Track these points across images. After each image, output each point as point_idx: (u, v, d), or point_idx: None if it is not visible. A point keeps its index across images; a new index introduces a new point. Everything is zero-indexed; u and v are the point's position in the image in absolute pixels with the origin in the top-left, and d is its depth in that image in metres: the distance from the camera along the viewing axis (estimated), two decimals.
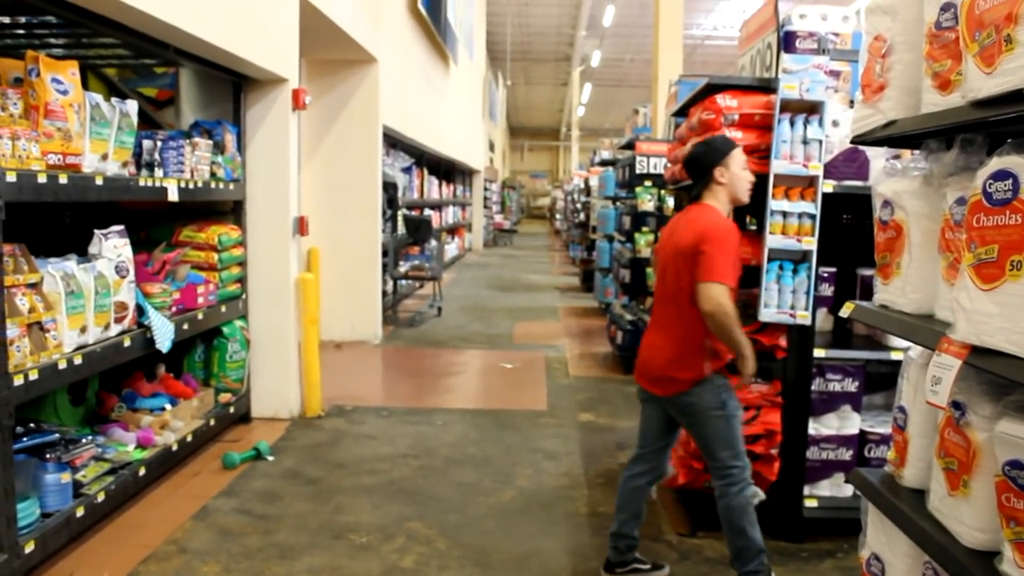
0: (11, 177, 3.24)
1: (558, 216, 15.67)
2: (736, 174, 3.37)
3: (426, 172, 14.56)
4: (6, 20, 4.32)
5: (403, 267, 11.16)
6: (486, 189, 26.85)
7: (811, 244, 3.92)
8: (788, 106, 3.93)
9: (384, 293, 9.69)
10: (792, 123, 3.91)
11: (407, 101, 11.19)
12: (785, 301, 3.95)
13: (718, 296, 3.19)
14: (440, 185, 16.86)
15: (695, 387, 3.36)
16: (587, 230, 15.27)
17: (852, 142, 2.51)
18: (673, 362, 3.40)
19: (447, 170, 18.39)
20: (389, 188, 10.08)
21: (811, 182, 3.92)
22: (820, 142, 3.88)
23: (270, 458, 5.24)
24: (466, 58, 18.55)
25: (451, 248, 17.48)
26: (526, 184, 45.29)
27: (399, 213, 10.85)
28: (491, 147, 30.23)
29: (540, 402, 6.89)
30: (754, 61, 4.70)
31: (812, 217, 3.92)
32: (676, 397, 3.42)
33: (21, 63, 3.54)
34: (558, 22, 28.21)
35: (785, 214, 3.92)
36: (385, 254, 9.74)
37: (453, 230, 19.70)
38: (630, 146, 9.21)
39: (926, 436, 2.18)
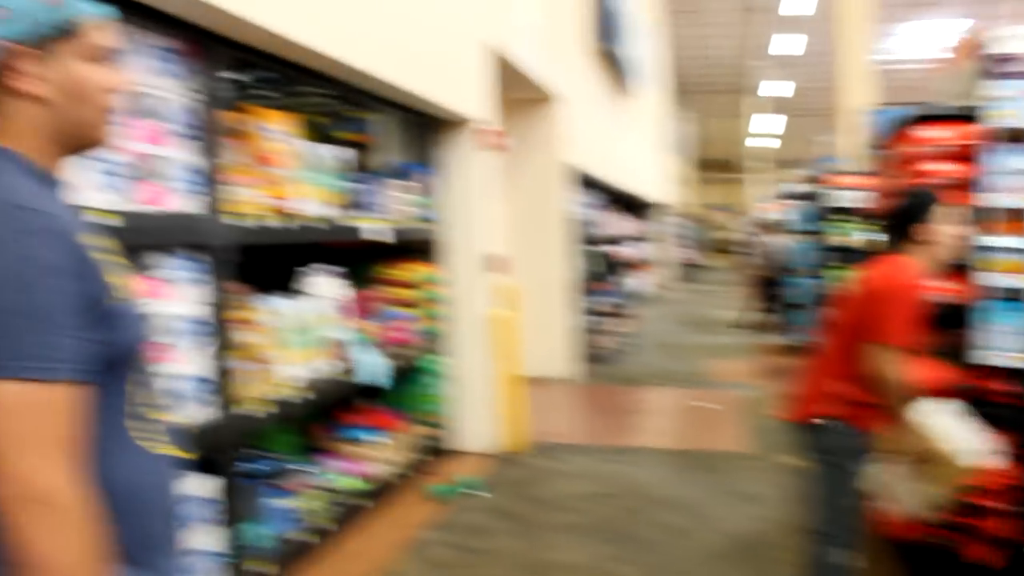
0: (240, 222, 3.48)
1: (743, 250, 15.27)
2: (937, 232, 3.05)
3: (613, 208, 14.54)
4: (232, 76, 4.65)
5: (595, 303, 11.15)
6: (672, 223, 26.59)
7: None
8: (1001, 135, 3.63)
9: (577, 329, 9.70)
10: (1003, 153, 3.60)
11: (590, 138, 11.26)
12: (1006, 343, 3.62)
13: (883, 360, 2.96)
14: (627, 220, 16.80)
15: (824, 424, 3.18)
16: (775, 265, 14.67)
17: None
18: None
19: (633, 205, 18.32)
20: (578, 224, 10.13)
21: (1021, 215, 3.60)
22: None
23: (476, 493, 5.31)
24: (648, 92, 18.53)
25: (639, 284, 17.35)
26: (711, 217, 44.56)
27: (589, 249, 10.88)
28: (676, 180, 29.98)
29: (739, 443, 6.67)
30: (957, 87, 4.40)
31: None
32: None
33: (246, 116, 3.79)
34: (740, 52, 27.76)
35: (992, 249, 3.62)
36: (577, 290, 9.77)
37: (640, 265, 19.57)
38: (819, 179, 8.89)
39: None
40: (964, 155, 3.75)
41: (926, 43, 23.25)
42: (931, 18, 21.74)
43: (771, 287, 14.62)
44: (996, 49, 3.80)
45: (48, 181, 1.42)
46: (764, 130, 35.44)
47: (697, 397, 8.45)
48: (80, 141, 1.46)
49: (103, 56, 1.45)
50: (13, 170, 1.36)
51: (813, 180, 9.08)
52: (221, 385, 3.40)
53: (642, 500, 5.25)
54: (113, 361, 1.37)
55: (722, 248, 44.36)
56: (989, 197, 3.59)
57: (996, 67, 3.74)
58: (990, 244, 3.60)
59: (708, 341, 12.73)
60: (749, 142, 37.46)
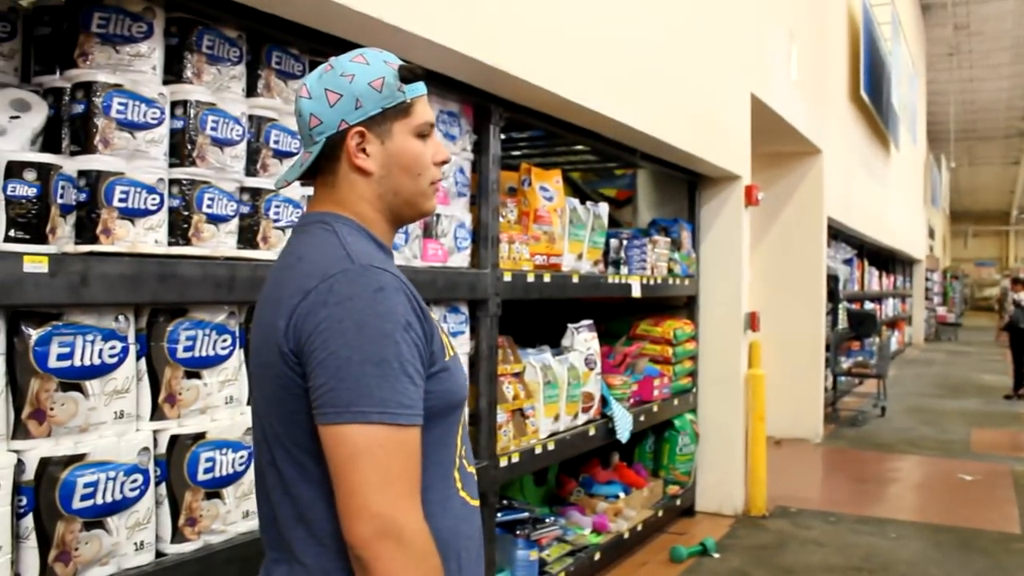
0: (508, 277, 3.60)
1: (999, 307, 14.09)
2: None
3: (866, 263, 13.93)
4: (506, 135, 4.85)
5: (845, 363, 10.69)
6: (927, 279, 25.09)
7: None
8: None
9: (824, 389, 9.32)
10: None
11: (849, 190, 10.84)
12: None
13: None
14: (880, 276, 16.04)
15: None
16: None
17: None
18: None
19: (887, 260, 17.48)
20: (830, 280, 9.76)
21: None
22: None
23: (716, 555, 5.18)
24: (907, 142, 17.63)
25: (891, 342, 16.46)
26: (970, 273, 41.66)
27: (840, 306, 10.45)
28: (931, 234, 28.28)
29: (1011, 523, 6.11)
30: None
31: None
32: None
33: (516, 174, 3.93)
34: (1009, 95, 25.92)
35: None
36: (826, 348, 9.40)
37: (893, 323, 18.57)
38: None
39: None
40: None
41: None
42: None
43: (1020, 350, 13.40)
44: None
45: (382, 247, 1.56)
46: None
47: (957, 468, 7.87)
48: (410, 211, 1.59)
49: (428, 131, 1.57)
50: (357, 234, 1.51)
51: None
52: (482, 434, 3.51)
53: None
54: (440, 413, 1.48)
55: (984, 306, 41.35)
56: None
57: None
58: None
59: (966, 406, 11.85)
60: (1022, 192, 34.72)
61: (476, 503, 1.60)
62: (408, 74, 1.54)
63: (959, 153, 31.98)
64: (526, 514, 4.28)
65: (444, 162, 1.60)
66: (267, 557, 1.53)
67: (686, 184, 5.90)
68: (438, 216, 3.25)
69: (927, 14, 20.31)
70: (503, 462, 3.64)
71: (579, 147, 5.02)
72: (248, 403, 2.40)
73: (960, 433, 9.71)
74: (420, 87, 1.56)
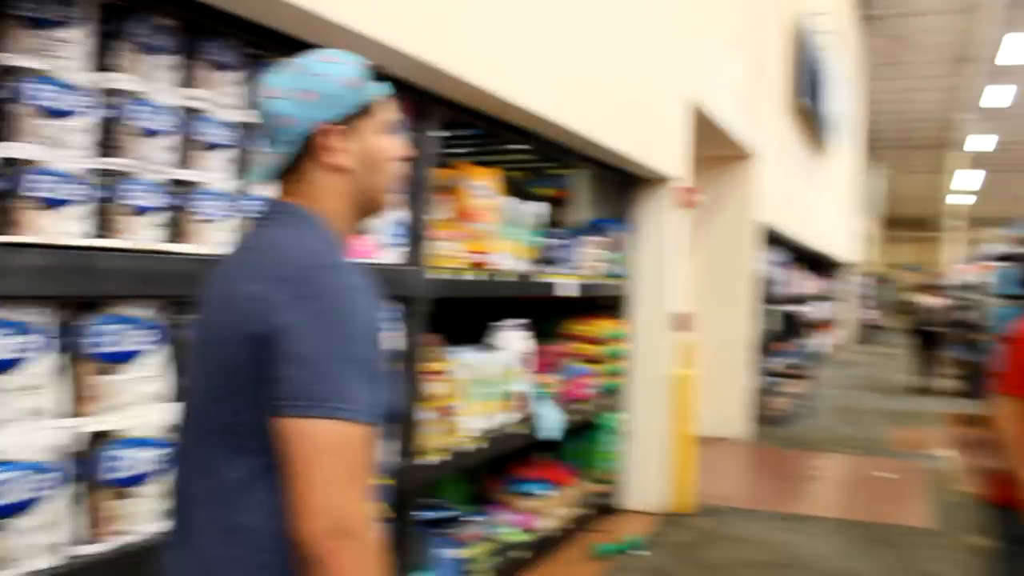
0: (439, 275, 3.59)
1: (908, 310, 14.78)
2: None
3: (798, 266, 14.17)
4: (442, 133, 4.82)
5: (773, 363, 10.86)
6: (858, 283, 25.63)
7: None
8: None
9: (753, 390, 9.48)
10: None
11: (782, 195, 11.02)
12: None
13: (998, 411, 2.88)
14: (811, 279, 16.32)
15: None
16: (970, 329, 14.05)
17: None
18: None
19: (818, 263, 17.79)
20: (762, 283, 9.92)
21: None
22: None
23: (641, 553, 5.24)
24: (842, 149, 17.98)
25: (821, 344, 16.80)
26: (900, 278, 42.66)
27: (771, 308, 10.62)
28: (863, 239, 28.90)
29: (922, 518, 6.31)
30: None
31: None
32: None
33: (451, 172, 3.92)
34: (941, 107, 26.56)
35: None
36: (757, 350, 9.55)
37: (823, 325, 18.93)
38: None
39: None
40: None
41: None
42: None
43: (931, 349, 14.17)
44: None
45: (342, 244, 1.59)
46: (963, 186, 33.67)
47: (876, 466, 8.08)
48: (372, 205, 1.63)
49: (390, 128, 1.62)
50: (325, 233, 1.54)
51: (1020, 241, 8.56)
52: (406, 433, 3.50)
53: (814, 573, 5.05)
54: None
55: (912, 310, 42.38)
56: None
57: None
58: None
59: (889, 406, 12.19)
60: (948, 199, 35.64)
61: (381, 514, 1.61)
62: (371, 74, 1.59)
63: (892, 161, 32.72)
64: (451, 513, 4.28)
65: (402, 158, 1.65)
66: (174, 540, 1.53)
67: (623, 185, 5.94)
68: None
69: (866, 25, 20.69)
70: (428, 461, 3.64)
71: (518, 147, 5.02)
72: (172, 400, 2.35)
73: (879, 432, 10.00)
74: (386, 85, 1.62)
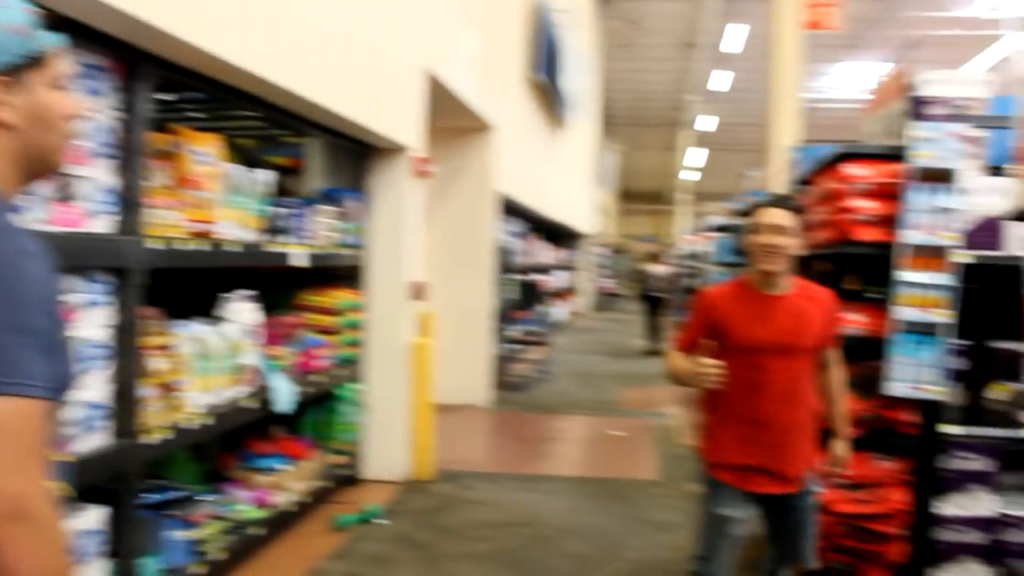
0: (155, 244, 3.42)
1: (639, 278, 15.91)
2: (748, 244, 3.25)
3: (537, 236, 14.68)
4: (159, 96, 4.56)
5: (513, 331, 11.20)
6: (595, 253, 26.87)
7: (944, 316, 3.76)
8: (920, 174, 3.81)
9: (494, 357, 9.74)
10: (924, 192, 3.79)
11: (521, 167, 11.35)
12: (915, 375, 3.79)
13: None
14: (550, 249, 16.96)
15: None
16: (657, 293, 15.29)
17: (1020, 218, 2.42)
18: None
19: (557, 234, 18.49)
20: (501, 253, 10.18)
21: (943, 252, 3.78)
22: (953, 211, 3.75)
23: (381, 521, 5.28)
24: (579, 124, 18.74)
25: (559, 312, 17.51)
26: (634, 248, 45.14)
27: (510, 277, 10.94)
28: (600, 211, 30.32)
29: (649, 471, 6.78)
30: (882, 127, 4.59)
31: (944, 288, 3.77)
32: None
33: (169, 137, 3.73)
34: (670, 88, 28.31)
35: (917, 285, 3.79)
36: (497, 318, 9.81)
37: (561, 294, 19.73)
38: (746, 212, 9.08)
39: None
40: (886, 192, 3.91)
41: (856, 84, 24.11)
42: (859, 60, 22.53)
43: (659, 314, 15.30)
44: (920, 92, 3.99)
45: (9, 207, 1.44)
46: (691, 163, 36.12)
47: (609, 425, 8.55)
48: (42, 166, 1.48)
49: (64, 83, 1.49)
50: None
51: (740, 214, 9.27)
52: (126, 412, 3.32)
53: (550, 529, 5.29)
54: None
55: (638, 278, 45.01)
56: (908, 234, 3.75)
57: (919, 109, 3.93)
58: (907, 279, 3.75)
59: (623, 369, 12.91)
60: (678, 175, 38.08)
61: (59, 493, 1.52)
62: (40, 21, 1.43)
63: (627, 137, 34.54)
64: (179, 493, 4.12)
65: (76, 116, 1.52)
66: None
67: (358, 154, 5.89)
68: (75, 177, 3.00)
69: (603, 7, 21.63)
70: (149, 439, 3.47)
71: (247, 113, 4.84)
72: None
73: (614, 393, 10.60)
74: (55, 37, 1.46)
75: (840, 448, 3.39)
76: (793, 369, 3.16)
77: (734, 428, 3.21)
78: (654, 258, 15.83)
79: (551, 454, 7.58)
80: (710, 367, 2.98)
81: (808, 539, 3.28)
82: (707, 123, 29.71)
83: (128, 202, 3.29)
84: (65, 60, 1.51)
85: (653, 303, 15.22)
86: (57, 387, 1.37)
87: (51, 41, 1.46)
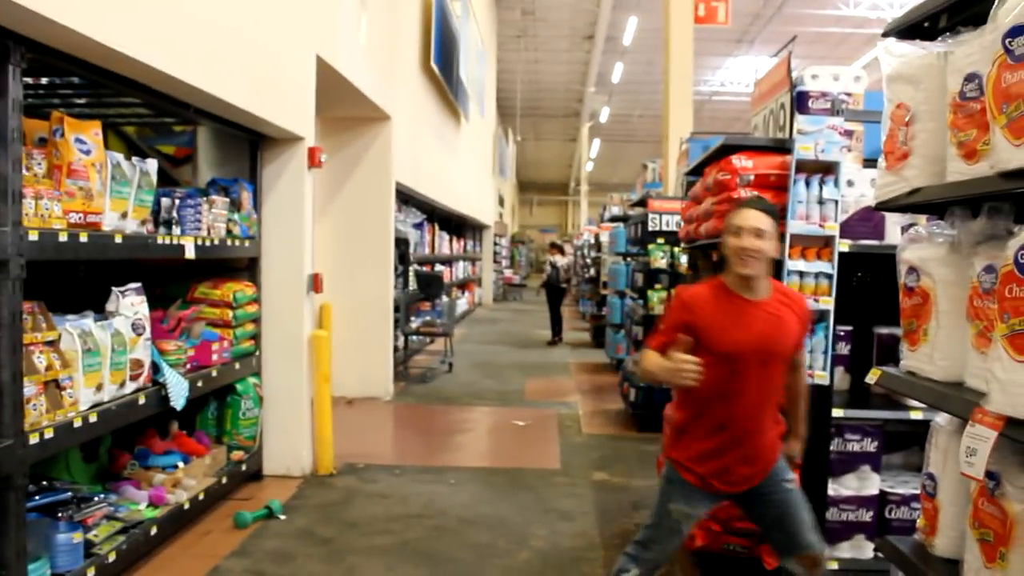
0: (33, 236, 3.27)
1: (547, 269, 16.16)
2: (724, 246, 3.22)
3: (437, 228, 14.64)
4: (31, 80, 4.37)
5: (414, 323, 11.16)
6: (496, 244, 26.98)
7: (828, 304, 3.90)
8: (803, 166, 3.95)
9: (395, 349, 9.68)
10: (807, 183, 3.93)
11: (419, 158, 11.29)
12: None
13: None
14: (451, 240, 16.94)
15: None
16: (597, 286, 15.40)
17: (876, 208, 2.52)
18: None
19: (458, 225, 18.49)
20: (401, 244, 10.12)
21: (827, 242, 3.92)
22: (836, 202, 3.90)
23: (282, 517, 5.19)
24: (477, 114, 18.75)
25: (461, 303, 17.50)
26: (535, 239, 45.45)
27: (410, 269, 10.88)
28: (501, 202, 30.43)
29: (553, 460, 6.82)
30: (767, 121, 4.74)
31: (829, 277, 3.91)
32: None
33: (46, 123, 3.58)
34: (567, 79, 28.59)
35: (802, 274, 3.92)
36: (397, 310, 9.75)
37: (463, 285, 19.75)
38: (642, 203, 9.23)
39: (958, 504, 2.16)
40: (773, 184, 4.02)
41: (748, 78, 24.77)
42: (753, 55, 23.15)
43: (592, 307, 15.43)
44: (800, 87, 4.11)
45: None
46: (591, 155, 36.58)
47: (513, 416, 8.59)
48: None
49: None
50: None
51: (640, 204, 9.43)
52: (8, 411, 3.18)
53: (453, 520, 5.28)
54: None
55: (540, 268, 45.41)
56: (795, 224, 3.86)
57: (800, 103, 4.05)
58: (795, 268, 3.87)
59: (526, 359, 12.96)
60: (578, 166, 38.57)
61: None
62: None
63: (526, 128, 34.73)
64: (69, 494, 3.97)
65: None
66: None
67: (248, 143, 5.75)
68: None
69: None
70: (34, 439, 3.33)
71: (130, 99, 4.67)
72: None
73: (517, 383, 10.62)
74: None
75: (796, 447, 3.43)
76: (768, 375, 3.13)
77: (704, 430, 3.19)
78: (556, 249, 15.96)
79: (455, 445, 7.57)
80: (687, 364, 2.91)
81: (804, 526, 3.21)
82: (599, 115, 30.17)
83: (2, 191, 3.14)
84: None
85: (556, 293, 15.33)
86: None
87: None
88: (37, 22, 3.07)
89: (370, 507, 5.50)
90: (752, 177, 4.08)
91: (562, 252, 16.09)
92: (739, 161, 4.13)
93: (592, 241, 17.21)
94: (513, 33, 24.17)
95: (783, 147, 4.10)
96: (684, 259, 6.92)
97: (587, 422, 8.34)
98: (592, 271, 16.75)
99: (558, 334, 15.07)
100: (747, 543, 4.17)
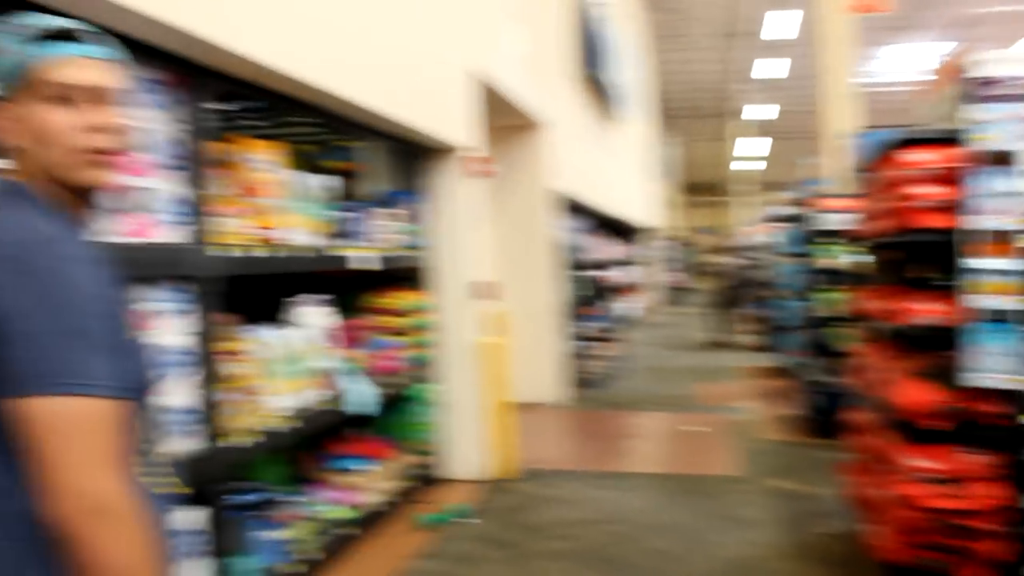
0: (227, 252, 3.48)
1: (713, 271, 15.62)
2: None
3: (601, 232, 14.61)
4: (219, 106, 4.64)
5: (584, 328, 11.16)
6: (659, 247, 26.68)
7: (1019, 303, 3.60)
8: (981, 158, 3.67)
9: (566, 354, 9.71)
10: (987, 176, 3.65)
11: (579, 163, 11.32)
12: (995, 365, 3.63)
13: None
14: (614, 245, 16.87)
15: None
16: (762, 287, 14.97)
17: None
18: None
19: (621, 229, 18.39)
20: (567, 250, 10.16)
21: (1011, 237, 3.62)
22: (1018, 195, 3.60)
23: (466, 520, 5.29)
24: (635, 117, 18.64)
25: (630, 307, 17.40)
26: (699, 240, 44.73)
27: (578, 274, 10.90)
28: (663, 204, 30.11)
29: (730, 467, 6.65)
30: (938, 110, 4.45)
31: (1017, 275, 3.61)
32: None
33: (232, 146, 3.80)
34: (723, 77, 28.05)
35: (992, 272, 3.64)
36: (565, 315, 9.78)
37: (630, 289, 19.62)
38: (806, 201, 8.92)
39: None
40: (948, 178, 3.79)
41: (908, 66, 23.57)
42: (912, 42, 22.03)
43: (732, 307, 15.06)
44: (978, 73, 3.85)
45: (66, 219, 1.46)
46: (749, 153, 35.70)
47: (686, 421, 8.45)
48: (65, 182, 1.46)
49: (72, 96, 1.44)
50: (33, 208, 1.43)
51: (799, 203, 9.11)
52: (208, 417, 3.38)
53: (634, 526, 5.23)
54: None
55: (711, 271, 44.59)
56: (974, 220, 3.62)
57: (978, 90, 3.78)
58: (977, 266, 3.62)
59: (696, 363, 12.75)
60: (734, 165, 37.72)
61: (166, 489, 1.57)
62: (38, 35, 1.43)
63: (684, 128, 34.26)
64: (266, 495, 4.18)
65: (91, 129, 1.44)
66: None
67: (417, 157, 5.93)
68: (138, 189, 3.07)
69: None
70: (232, 443, 3.53)
71: (305, 120, 4.92)
72: None
73: (688, 388, 10.45)
74: (54, 48, 1.43)
75: None
76: None
77: None
78: (721, 250, 15.60)
79: (630, 450, 7.52)
80: None
81: None
82: (765, 112, 29.36)
83: (195, 211, 3.36)
84: (75, 72, 1.45)
85: (724, 296, 14.97)
86: (128, 387, 1.40)
87: (45, 55, 1.43)
88: (222, 55, 3.29)
89: (550, 512, 5.52)
90: (927, 171, 3.85)
91: (729, 253, 15.75)
92: (912, 155, 3.90)
93: (756, 241, 16.77)
94: (667, 33, 23.94)
95: (956, 138, 3.84)
96: (858, 258, 6.64)
97: (762, 427, 8.10)
98: (756, 272, 16.32)
99: (727, 337, 14.73)
100: (946, 558, 3.89)
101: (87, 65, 1.46)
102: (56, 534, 1.30)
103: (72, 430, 1.28)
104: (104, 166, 1.48)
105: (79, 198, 1.50)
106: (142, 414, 1.51)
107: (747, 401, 9.49)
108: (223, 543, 3.45)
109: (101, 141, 1.46)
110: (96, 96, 1.46)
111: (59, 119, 1.43)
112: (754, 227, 19.05)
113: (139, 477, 1.48)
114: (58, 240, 1.36)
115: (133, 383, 1.43)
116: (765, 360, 12.46)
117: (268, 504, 4.09)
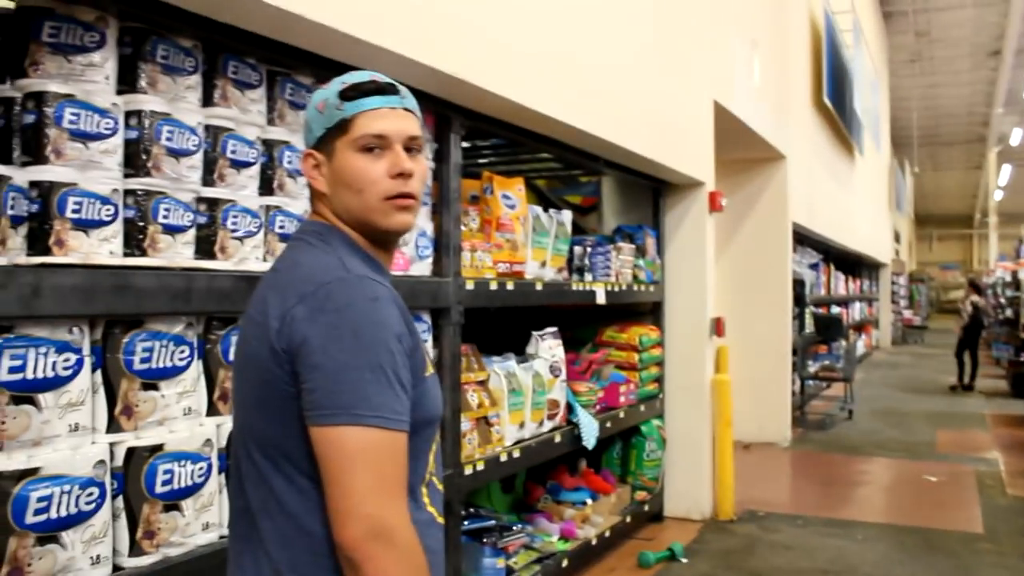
0: (469, 285, 3.61)
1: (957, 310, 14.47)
2: None
3: (832, 267, 14.07)
4: (466, 144, 4.84)
5: (812, 367, 10.77)
6: (893, 283, 25.36)
7: None
8: None
9: (792, 393, 9.38)
10: None
11: (814, 196, 10.94)
12: None
13: None
14: (847, 280, 16.20)
15: None
16: (1016, 328, 13.87)
17: None
18: None
19: (853, 264, 17.65)
20: (796, 285, 9.84)
21: None
22: None
23: (684, 560, 5.20)
24: (871, 147, 17.82)
25: (858, 346, 16.62)
26: (935, 276, 42.11)
27: (807, 310, 10.54)
28: (897, 238, 28.58)
29: (974, 523, 6.17)
30: None
31: None
32: None
33: (477, 182, 3.94)
34: (970, 101, 26.31)
35: None
36: (794, 353, 9.47)
37: (860, 327, 18.75)
38: None
39: None
40: None
41: None
42: None
43: (1010, 352, 13.92)
44: None
45: (372, 260, 1.58)
46: (1001, 183, 33.18)
47: (922, 470, 7.95)
48: (369, 228, 1.57)
49: (377, 144, 1.53)
50: (348, 246, 1.56)
51: None
52: (453, 443, 3.51)
53: None
54: (415, 427, 1.48)
55: (950, 308, 41.81)
56: None
57: None
58: None
59: (932, 408, 11.98)
60: (984, 196, 35.18)
61: (442, 520, 1.64)
62: (350, 91, 1.54)
63: (923, 158, 32.40)
64: (493, 522, 4.28)
65: (401, 175, 1.53)
66: (233, 548, 1.56)
67: (650, 191, 5.94)
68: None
69: (889, 21, 20.56)
70: (468, 470, 3.64)
71: (543, 155, 5.03)
72: (207, 414, 2.41)
73: (925, 434, 9.82)
74: (364, 102, 1.53)
75: None
76: None
77: None
78: (974, 288, 14.58)
79: (859, 498, 7.14)
80: None
81: None
82: (1012, 137, 27.30)
83: (444, 246, 3.51)
84: (374, 122, 1.53)
85: (973, 336, 14.02)
86: (419, 420, 1.49)
87: (355, 108, 1.53)
88: (474, 93, 3.41)
89: (772, 557, 5.34)
90: None
91: (980, 292, 14.68)
92: None
93: (1008, 279, 15.60)
94: (906, 58, 22.73)
95: None
96: None
97: (1012, 482, 7.48)
98: (1009, 311, 15.16)
99: (972, 380, 13.78)
100: None
101: (394, 116, 1.56)
102: (341, 556, 1.38)
103: (363, 459, 1.36)
104: (409, 210, 1.58)
105: (382, 240, 1.61)
106: (432, 446, 1.60)
107: (994, 452, 8.81)
108: (455, 567, 3.55)
109: (407, 187, 1.56)
110: (402, 144, 1.56)
111: (370, 167, 1.53)
112: (1005, 262, 17.72)
113: (426, 507, 1.57)
114: (364, 280, 1.46)
115: (425, 416, 1.52)
116: (1015, 407, 11.54)
117: (494, 531, 4.18)
